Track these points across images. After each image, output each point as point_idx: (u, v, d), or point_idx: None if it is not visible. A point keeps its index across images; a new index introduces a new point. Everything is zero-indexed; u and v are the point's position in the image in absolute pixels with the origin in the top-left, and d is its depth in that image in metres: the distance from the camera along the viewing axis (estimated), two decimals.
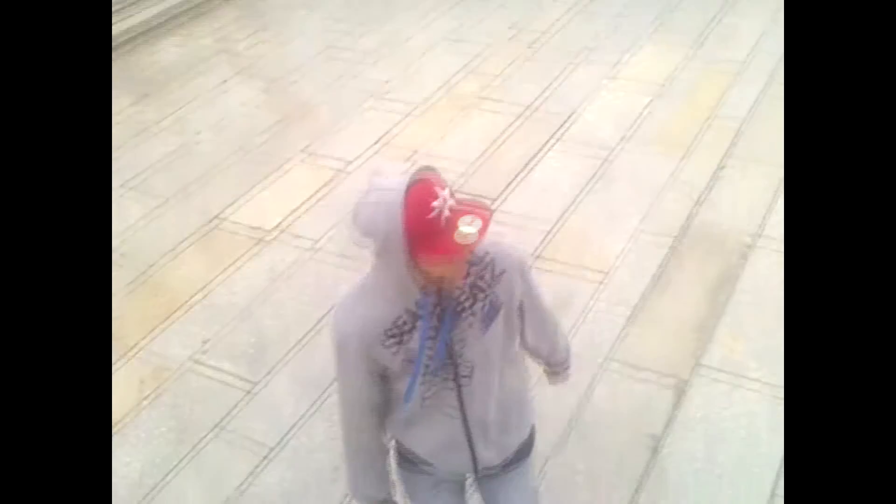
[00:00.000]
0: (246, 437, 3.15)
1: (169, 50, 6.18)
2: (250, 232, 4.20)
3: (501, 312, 1.78)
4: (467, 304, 1.74)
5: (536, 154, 4.56)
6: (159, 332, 3.65)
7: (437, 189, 1.54)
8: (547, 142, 4.64)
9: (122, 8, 6.33)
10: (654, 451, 2.90)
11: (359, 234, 1.59)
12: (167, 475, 3.04)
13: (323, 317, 3.62)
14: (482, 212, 1.55)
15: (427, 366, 1.76)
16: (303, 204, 4.36)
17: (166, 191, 4.54)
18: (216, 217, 4.33)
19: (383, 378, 1.82)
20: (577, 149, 4.58)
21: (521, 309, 1.89)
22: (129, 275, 4.00)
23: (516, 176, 4.39)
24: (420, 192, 1.53)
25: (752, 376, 3.12)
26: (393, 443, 2.01)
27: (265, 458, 3.06)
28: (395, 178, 1.55)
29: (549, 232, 3.98)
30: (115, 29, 6.05)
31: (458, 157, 4.57)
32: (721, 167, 4.30)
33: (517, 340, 1.95)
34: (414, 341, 1.73)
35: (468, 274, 1.73)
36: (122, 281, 3.95)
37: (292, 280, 3.87)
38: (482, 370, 1.81)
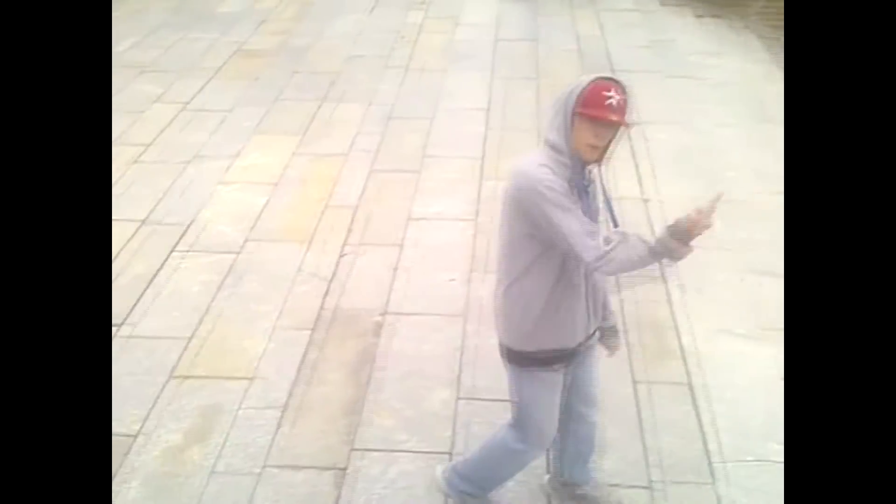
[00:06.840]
0: None
1: None
2: None
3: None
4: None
5: (160, 269, 4.39)
6: None
7: (614, 88, 2.26)
8: (169, 254, 4.51)
9: None
10: None
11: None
12: None
13: None
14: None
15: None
16: None
17: None
18: None
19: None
20: (201, 256, 4.52)
21: None
22: None
23: (142, 295, 4.19)
24: (601, 83, 2.28)
25: (404, 447, 3.31)
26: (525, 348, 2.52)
27: None
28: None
29: (185, 347, 3.84)
30: None
31: None
32: (343, 254, 4.55)
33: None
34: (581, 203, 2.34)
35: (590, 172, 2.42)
36: None
37: None
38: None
